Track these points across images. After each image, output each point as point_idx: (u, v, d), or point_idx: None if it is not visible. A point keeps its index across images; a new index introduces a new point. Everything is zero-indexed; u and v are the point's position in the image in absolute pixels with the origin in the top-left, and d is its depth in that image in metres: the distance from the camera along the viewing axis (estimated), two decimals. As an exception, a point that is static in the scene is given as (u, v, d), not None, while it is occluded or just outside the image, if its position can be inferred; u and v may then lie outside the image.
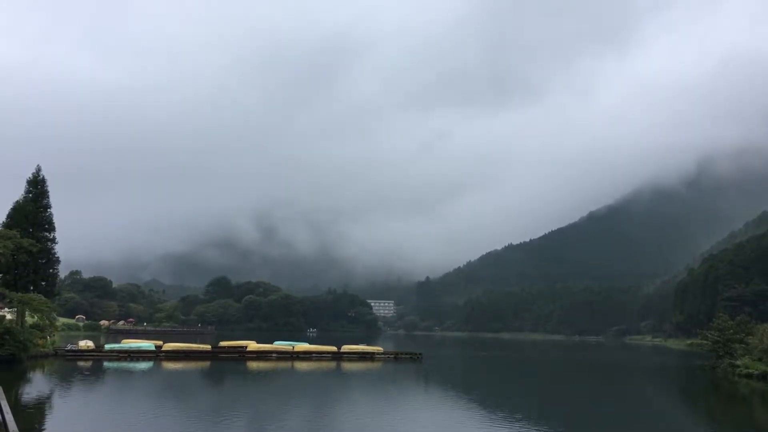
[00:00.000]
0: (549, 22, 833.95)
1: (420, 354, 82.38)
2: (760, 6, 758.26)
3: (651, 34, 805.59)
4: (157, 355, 69.56)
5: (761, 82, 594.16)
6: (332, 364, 69.02)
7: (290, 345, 79.93)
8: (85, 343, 71.47)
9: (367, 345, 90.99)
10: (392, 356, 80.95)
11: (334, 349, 78.58)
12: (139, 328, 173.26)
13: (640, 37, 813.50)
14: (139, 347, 71.77)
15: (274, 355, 74.38)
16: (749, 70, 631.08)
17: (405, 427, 30.47)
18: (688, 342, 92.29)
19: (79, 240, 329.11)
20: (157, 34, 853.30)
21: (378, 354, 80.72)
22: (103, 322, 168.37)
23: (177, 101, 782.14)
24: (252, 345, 79.91)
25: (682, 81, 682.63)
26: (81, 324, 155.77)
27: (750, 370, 57.68)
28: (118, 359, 65.52)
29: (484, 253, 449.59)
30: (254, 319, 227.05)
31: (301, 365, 66.49)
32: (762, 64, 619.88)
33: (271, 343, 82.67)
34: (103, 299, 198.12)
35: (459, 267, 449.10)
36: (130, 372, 55.48)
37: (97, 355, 68.00)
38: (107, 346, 72.68)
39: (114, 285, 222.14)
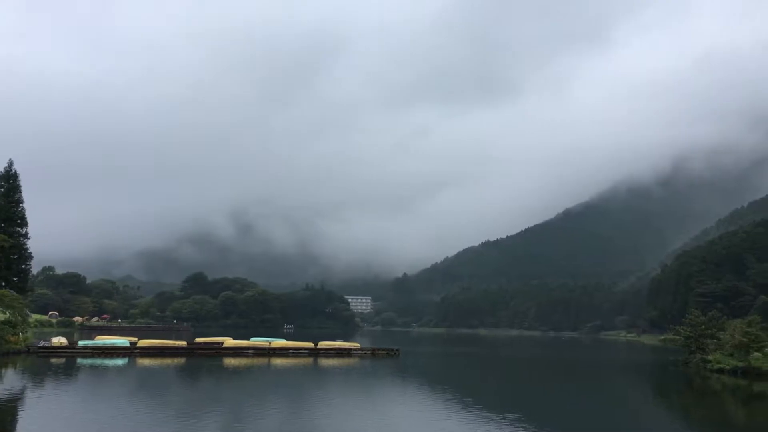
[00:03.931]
0: (527, 22, 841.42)
1: (397, 350, 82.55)
2: (735, 6, 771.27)
3: (627, 34, 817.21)
4: (131, 352, 68.86)
5: (735, 82, 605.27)
6: (309, 361, 68.91)
7: (267, 341, 79.62)
8: (59, 340, 70.56)
9: (344, 341, 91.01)
10: (369, 352, 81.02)
11: (311, 345, 78.42)
12: (114, 324, 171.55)
13: (616, 37, 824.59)
14: (114, 344, 70.99)
15: (250, 351, 74.03)
16: (724, 70, 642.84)
17: (382, 423, 30.52)
18: (661, 338, 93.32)
19: (53, 235, 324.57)
20: (135, 31, 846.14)
21: (355, 350, 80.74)
22: (77, 319, 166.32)
23: (154, 98, 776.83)
24: (228, 341, 79.44)
25: (658, 80, 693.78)
26: (54, 320, 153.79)
27: (721, 366, 58.60)
28: (92, 356, 64.79)
29: (461, 250, 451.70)
30: (231, 316, 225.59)
31: (278, 362, 66.26)
32: (736, 64, 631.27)
33: (248, 339, 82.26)
34: (77, 295, 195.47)
35: (436, 263, 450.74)
36: (104, 369, 54.86)
37: (71, 351, 67.14)
38: (81, 343, 71.84)
39: (88, 281, 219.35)
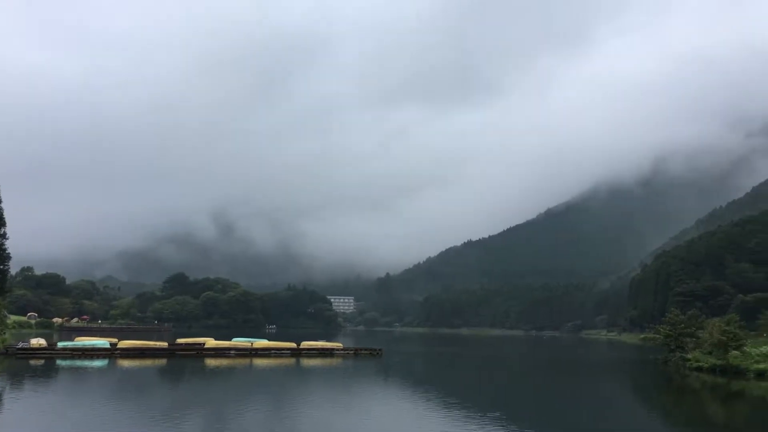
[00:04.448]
0: (509, 23, 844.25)
1: (380, 350, 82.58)
2: (714, 9, 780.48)
3: (608, 36, 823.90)
4: (112, 353, 68.23)
5: (714, 84, 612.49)
6: (291, 361, 68.73)
7: (249, 342, 79.31)
8: (38, 341, 69.70)
9: (327, 341, 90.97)
10: (352, 352, 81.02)
11: (293, 345, 78.22)
12: (94, 325, 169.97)
13: (597, 39, 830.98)
14: (94, 345, 70.32)
15: (232, 352, 73.66)
16: (703, 72, 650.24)
17: (364, 422, 30.52)
18: (642, 336, 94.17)
19: (32, 236, 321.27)
20: (115, 32, 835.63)
21: (338, 350, 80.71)
22: (56, 320, 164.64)
23: (134, 99, 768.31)
24: (210, 342, 79.04)
25: (639, 82, 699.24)
26: (33, 321, 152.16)
27: (700, 364, 59.24)
28: (72, 357, 64.13)
29: (444, 250, 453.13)
30: (213, 316, 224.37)
31: (260, 362, 66.03)
32: (715, 66, 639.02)
33: (230, 340, 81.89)
34: (57, 296, 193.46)
35: (419, 263, 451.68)
36: (84, 370, 54.35)
37: (50, 353, 66.43)
38: (60, 344, 71.11)
39: (68, 282, 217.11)
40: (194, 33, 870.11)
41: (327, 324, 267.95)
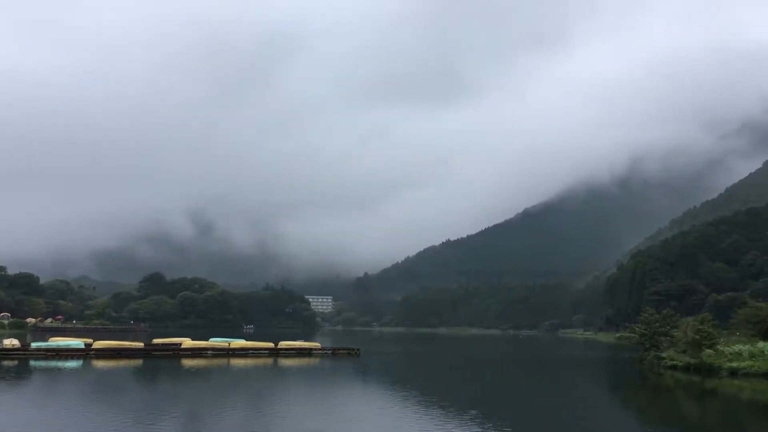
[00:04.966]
0: (488, 23, 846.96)
1: (358, 349, 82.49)
2: (687, 11, 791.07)
3: (585, 38, 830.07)
4: (86, 354, 67.36)
5: (689, 85, 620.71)
6: (269, 361, 68.46)
7: (226, 342, 78.68)
8: (10, 342, 68.58)
9: (305, 341, 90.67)
10: (330, 352, 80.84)
11: (271, 345, 77.85)
12: (68, 325, 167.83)
13: (573, 40, 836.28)
14: (68, 345, 69.40)
15: (209, 352, 73.11)
16: (678, 74, 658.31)
17: (342, 421, 30.48)
18: (617, 335, 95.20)
19: (4, 235, 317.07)
20: (89, 27, 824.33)
21: (316, 350, 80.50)
22: (30, 320, 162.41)
23: (110, 95, 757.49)
24: (187, 342, 78.32)
25: (615, 83, 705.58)
26: (6, 322, 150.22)
27: (674, 362, 59.95)
28: (46, 358, 63.21)
29: (422, 249, 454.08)
30: (190, 316, 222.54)
31: (238, 362, 65.63)
32: (690, 68, 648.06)
33: (207, 340, 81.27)
34: (30, 296, 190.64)
35: (397, 263, 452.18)
36: (58, 371, 53.67)
37: (23, 353, 65.43)
38: (34, 345, 70.05)
39: (42, 282, 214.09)
40: (171, 31, 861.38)
41: (305, 324, 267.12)
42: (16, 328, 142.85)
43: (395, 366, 75.07)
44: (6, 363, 58.23)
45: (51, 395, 38.92)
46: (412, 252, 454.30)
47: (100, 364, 60.48)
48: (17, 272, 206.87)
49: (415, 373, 64.99)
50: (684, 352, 60.87)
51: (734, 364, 54.40)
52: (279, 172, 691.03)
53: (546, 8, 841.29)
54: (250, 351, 75.86)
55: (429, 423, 29.88)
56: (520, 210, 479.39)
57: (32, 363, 58.77)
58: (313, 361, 69.42)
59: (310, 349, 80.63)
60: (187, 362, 64.57)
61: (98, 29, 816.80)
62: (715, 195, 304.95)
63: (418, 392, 43.73)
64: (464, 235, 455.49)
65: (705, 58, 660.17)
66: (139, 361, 64.85)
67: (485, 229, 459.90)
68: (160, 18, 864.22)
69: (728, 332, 76.93)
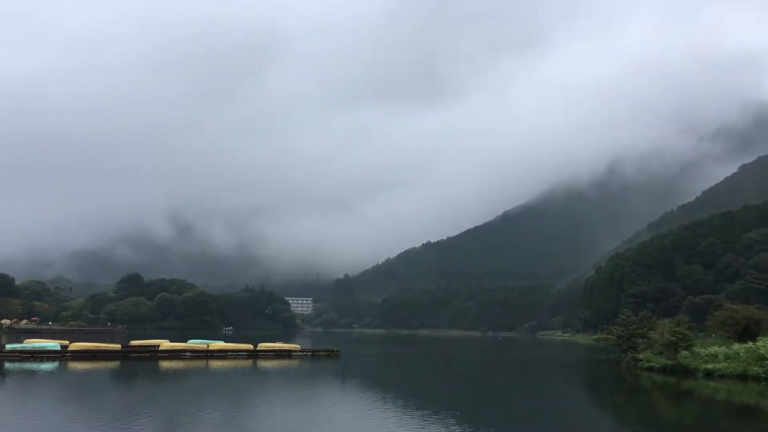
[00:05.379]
0: (470, 25, 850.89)
1: (337, 351, 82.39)
2: (666, 15, 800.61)
3: (564, 41, 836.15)
4: (62, 356, 66.59)
5: (667, 89, 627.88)
6: (248, 363, 68.13)
7: (205, 343, 78.12)
8: (-16, 344, 67.78)
9: (285, 343, 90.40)
10: (309, 354, 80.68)
11: (250, 347, 77.48)
12: (44, 327, 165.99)
13: (554, 43, 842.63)
14: (43, 347, 68.58)
15: (187, 354, 72.57)
16: (657, 78, 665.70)
17: (321, 423, 30.40)
18: (595, 337, 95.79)
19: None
20: (70, 25, 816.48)
21: (295, 351, 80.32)
22: (5, 321, 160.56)
23: (88, 94, 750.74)
24: (165, 344, 77.69)
25: (595, 86, 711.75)
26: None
27: (651, 364, 60.49)
28: (21, 360, 62.37)
29: (402, 251, 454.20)
30: (168, 318, 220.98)
31: (217, 364, 65.21)
32: (668, 71, 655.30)
33: (185, 341, 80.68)
34: (5, 297, 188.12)
35: (377, 264, 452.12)
36: (33, 373, 52.96)
37: (-3, 356, 64.57)
38: (8, 346, 69.14)
39: (17, 282, 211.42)
40: (152, 30, 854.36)
41: (285, 325, 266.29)
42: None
43: (375, 368, 75.02)
44: (-20, 365, 57.39)
45: (26, 398, 38.39)
46: (393, 253, 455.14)
47: (76, 366, 59.78)
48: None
49: (395, 375, 65.03)
50: (661, 353, 61.42)
51: (710, 366, 55.00)
52: (259, 172, 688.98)
53: (528, 11, 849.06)
54: (229, 353, 75.43)
55: (410, 423, 29.86)
56: (500, 212, 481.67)
57: (7, 365, 57.94)
58: (292, 363, 69.18)
59: (290, 350, 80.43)
60: (165, 364, 64.05)
61: (73, 26, 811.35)
62: (691, 198, 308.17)
63: (398, 394, 43.75)
64: (444, 237, 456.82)
65: (684, 62, 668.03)
66: (116, 363, 64.20)
67: (465, 231, 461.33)
68: (143, 17, 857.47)
69: (704, 334, 77.66)
